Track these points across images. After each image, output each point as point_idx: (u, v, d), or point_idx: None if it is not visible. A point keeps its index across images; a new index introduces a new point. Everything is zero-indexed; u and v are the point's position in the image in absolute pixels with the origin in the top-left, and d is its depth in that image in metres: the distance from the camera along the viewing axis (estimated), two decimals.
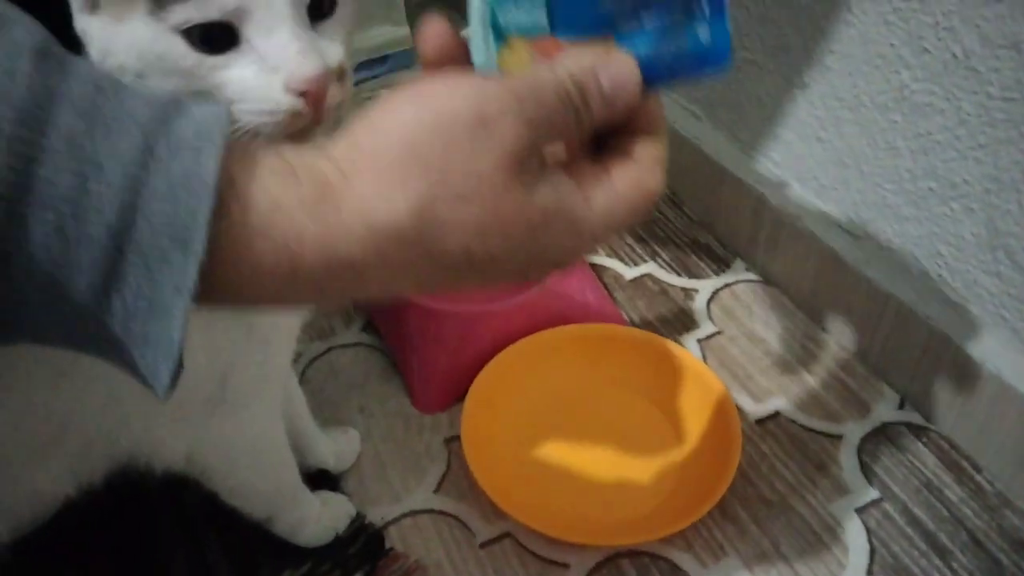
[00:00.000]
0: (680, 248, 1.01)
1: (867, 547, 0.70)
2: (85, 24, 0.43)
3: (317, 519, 0.70)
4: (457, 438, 0.77)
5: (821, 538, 0.71)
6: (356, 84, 0.59)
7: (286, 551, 0.70)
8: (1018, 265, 0.70)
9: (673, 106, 1.06)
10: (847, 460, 0.77)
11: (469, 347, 0.81)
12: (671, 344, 0.83)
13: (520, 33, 0.38)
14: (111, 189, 0.28)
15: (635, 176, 0.36)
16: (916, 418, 0.80)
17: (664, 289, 0.95)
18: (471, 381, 0.79)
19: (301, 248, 0.31)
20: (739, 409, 0.80)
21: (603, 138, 0.37)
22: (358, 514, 0.73)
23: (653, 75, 0.36)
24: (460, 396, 0.79)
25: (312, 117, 0.43)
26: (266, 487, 0.65)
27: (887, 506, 0.73)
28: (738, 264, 0.98)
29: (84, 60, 0.30)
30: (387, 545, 0.72)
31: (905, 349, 0.80)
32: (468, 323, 0.81)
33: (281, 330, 0.58)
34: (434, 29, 0.37)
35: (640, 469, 0.76)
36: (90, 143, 0.28)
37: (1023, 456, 0.72)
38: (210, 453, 0.59)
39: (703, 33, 0.36)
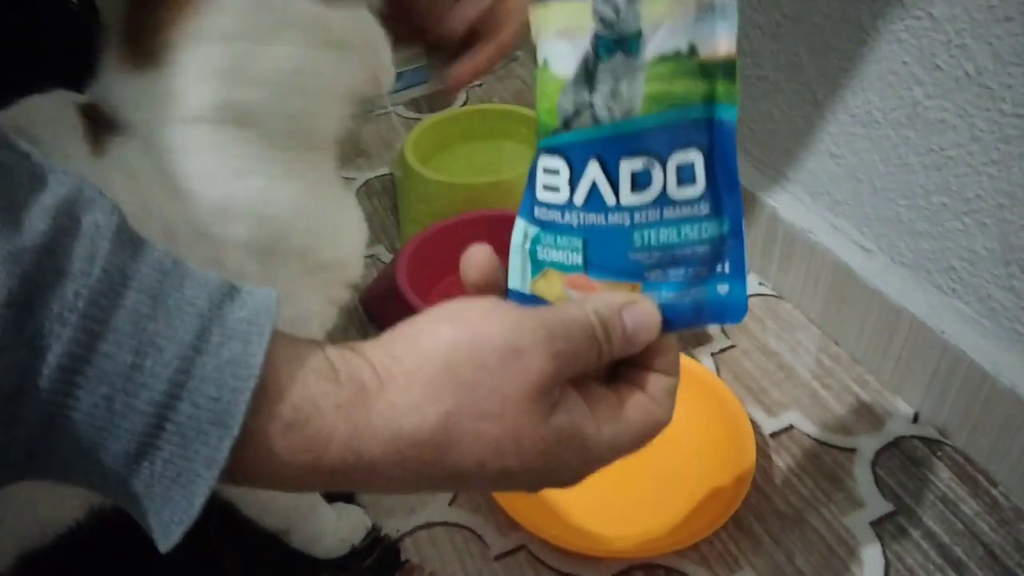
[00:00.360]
0: None
1: (882, 561, 0.71)
2: None
3: (333, 531, 0.70)
4: None
5: (836, 552, 0.71)
6: None
7: (302, 563, 0.70)
8: None
9: None
10: (861, 474, 0.77)
11: None
12: (685, 358, 0.83)
13: (556, 268, 0.41)
14: (165, 369, 0.31)
15: (645, 406, 0.39)
16: (931, 432, 0.80)
17: None
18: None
19: (328, 446, 0.34)
20: (753, 423, 0.80)
21: (620, 364, 0.40)
22: (374, 526, 0.73)
23: (673, 320, 0.39)
24: None
25: None
26: (287, 500, 0.66)
27: (902, 520, 0.73)
28: (752, 278, 0.99)
29: (152, 245, 0.33)
30: (402, 557, 0.72)
31: (919, 363, 0.80)
32: None
33: None
34: (479, 257, 0.41)
35: (654, 482, 0.76)
36: (152, 325, 0.31)
37: None
38: None
39: (723, 289, 0.39)
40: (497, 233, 1.00)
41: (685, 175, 0.39)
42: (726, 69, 0.38)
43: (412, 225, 1.03)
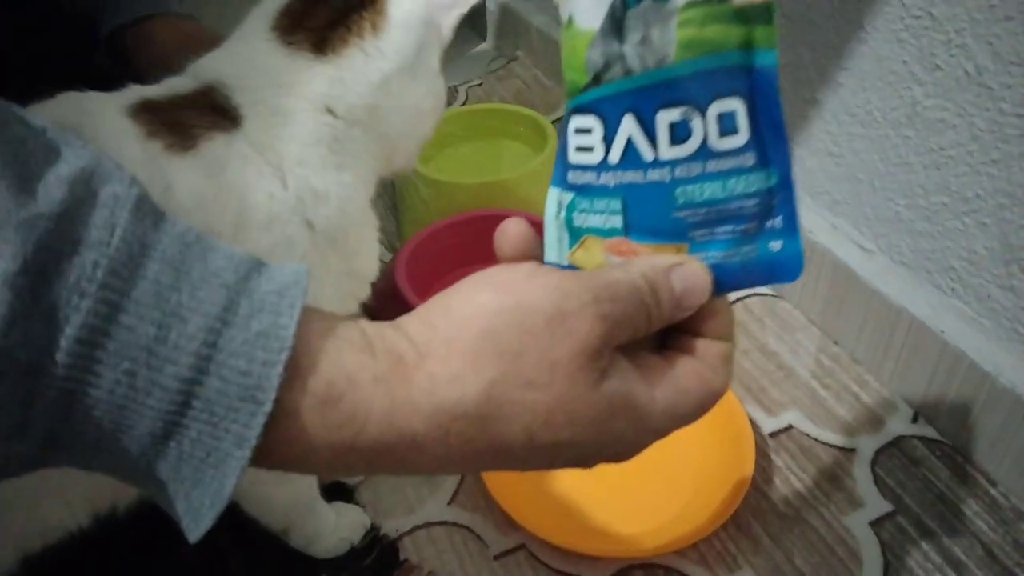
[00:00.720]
0: None
1: (881, 560, 0.70)
2: None
3: (332, 531, 0.70)
4: None
5: (835, 551, 0.71)
6: None
7: (302, 563, 0.70)
8: None
9: None
10: (861, 473, 0.77)
11: None
12: None
13: (594, 234, 0.39)
14: (190, 342, 0.29)
15: (699, 373, 0.36)
16: (930, 432, 0.80)
17: None
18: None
19: (365, 422, 0.32)
20: (753, 422, 0.80)
21: (669, 333, 0.38)
22: (373, 525, 0.74)
23: (723, 281, 0.37)
24: None
25: None
26: (285, 498, 0.66)
27: (901, 519, 0.73)
28: None
29: (174, 217, 0.32)
30: (401, 557, 0.72)
31: (918, 363, 0.80)
32: None
33: None
34: (514, 230, 0.39)
35: (654, 482, 0.76)
36: (176, 296, 0.30)
37: None
38: None
39: (775, 246, 0.37)
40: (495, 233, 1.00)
41: (727, 124, 0.36)
42: (763, 13, 0.36)
43: (412, 225, 1.03)
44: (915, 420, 0.82)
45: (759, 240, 0.37)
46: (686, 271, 0.36)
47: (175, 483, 0.30)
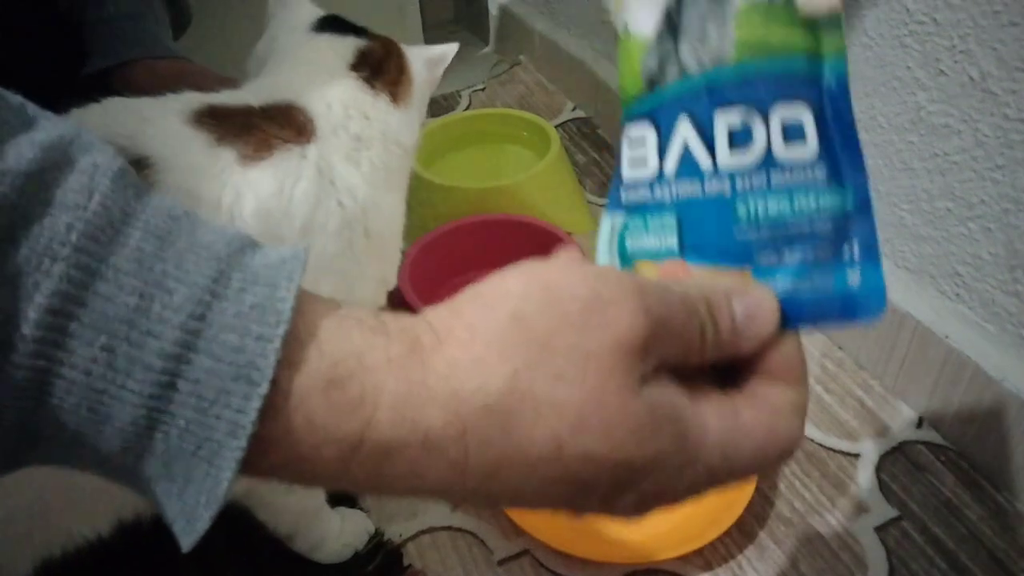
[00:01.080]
0: None
1: (886, 566, 0.70)
2: None
3: (337, 536, 0.70)
4: None
5: (840, 557, 0.71)
6: None
7: (305, 569, 0.70)
8: None
9: None
10: (865, 478, 0.77)
11: None
12: None
13: (648, 258, 0.36)
14: (175, 314, 0.26)
15: (765, 417, 0.31)
16: (934, 437, 0.80)
17: None
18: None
19: (376, 408, 0.27)
20: None
21: (730, 377, 0.32)
22: (376, 530, 0.73)
23: (793, 314, 0.32)
24: None
25: None
26: (296, 505, 0.66)
27: (906, 525, 0.73)
28: None
29: (159, 192, 0.29)
30: (405, 562, 0.72)
31: (923, 368, 0.80)
32: None
33: None
34: (566, 257, 0.34)
35: None
36: (160, 265, 0.26)
37: None
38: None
39: (852, 278, 0.33)
40: (499, 237, 1.00)
41: (793, 132, 0.33)
42: (831, 22, 0.33)
43: (415, 229, 1.03)
44: (920, 425, 0.82)
45: (834, 270, 0.33)
46: (749, 296, 0.31)
47: (165, 482, 0.27)
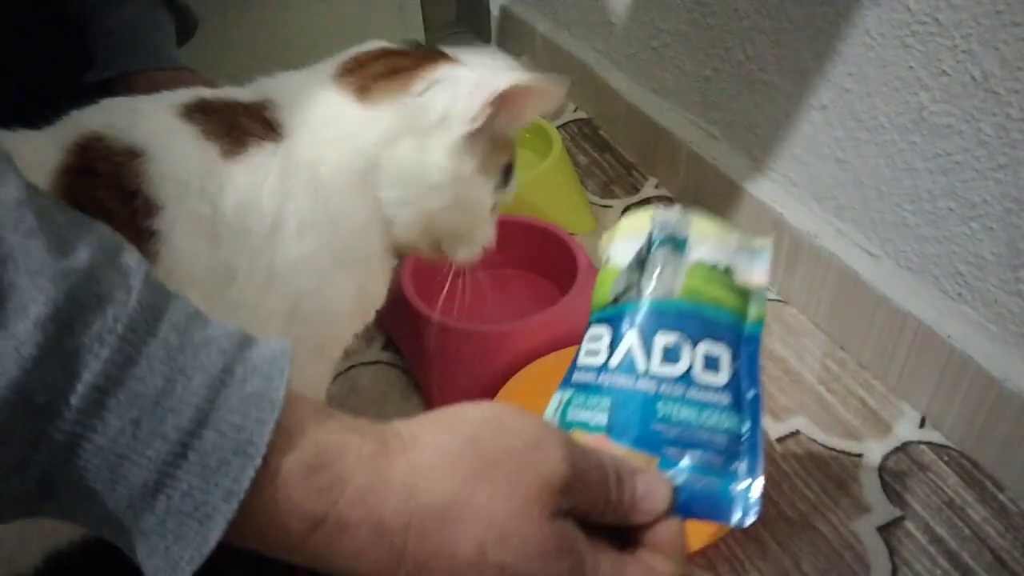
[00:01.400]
0: None
1: (889, 566, 0.70)
2: None
3: None
4: None
5: (843, 557, 0.71)
6: None
7: (306, 568, 0.70)
8: None
9: (691, 126, 1.07)
10: (868, 479, 0.77)
11: (489, 365, 0.82)
12: None
13: (582, 429, 0.44)
14: (193, 396, 0.32)
15: (645, 569, 0.38)
16: (937, 437, 0.80)
17: None
18: (491, 399, 0.80)
19: (343, 493, 0.33)
20: None
21: (625, 543, 0.39)
22: None
23: (683, 502, 0.40)
24: None
25: None
26: None
27: (909, 525, 0.73)
28: None
29: (175, 293, 0.35)
30: None
31: (925, 368, 0.80)
32: (488, 341, 0.82)
33: (328, 351, 0.62)
34: None
35: None
36: (181, 357, 0.32)
37: None
38: None
39: (734, 489, 0.41)
40: (501, 237, 1.00)
41: (711, 363, 0.43)
42: (757, 295, 0.45)
43: None
44: (922, 425, 0.82)
45: (723, 476, 0.41)
46: (651, 478, 0.39)
47: (157, 537, 0.32)
